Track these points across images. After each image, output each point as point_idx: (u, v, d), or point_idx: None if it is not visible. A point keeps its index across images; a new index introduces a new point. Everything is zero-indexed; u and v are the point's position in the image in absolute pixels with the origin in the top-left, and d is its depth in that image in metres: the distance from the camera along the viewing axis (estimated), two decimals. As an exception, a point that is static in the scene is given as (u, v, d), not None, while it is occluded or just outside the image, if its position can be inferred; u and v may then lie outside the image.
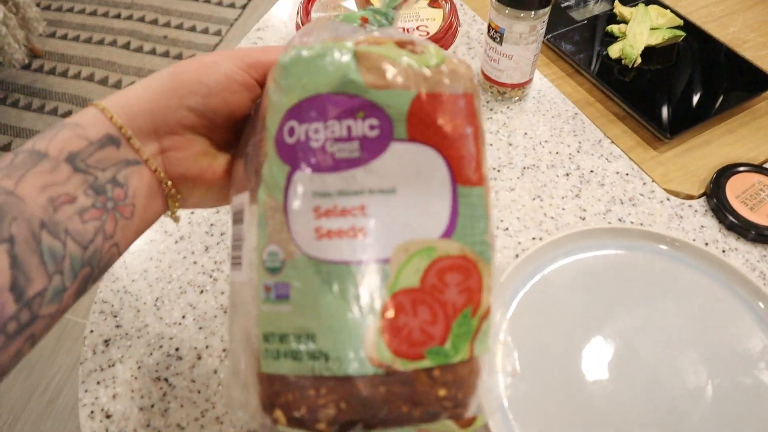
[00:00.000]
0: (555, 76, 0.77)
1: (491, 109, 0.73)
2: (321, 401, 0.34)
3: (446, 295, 0.34)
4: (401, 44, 0.36)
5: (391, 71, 0.34)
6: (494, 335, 0.36)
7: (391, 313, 0.33)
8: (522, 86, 0.71)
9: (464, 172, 0.35)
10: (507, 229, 0.62)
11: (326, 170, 0.34)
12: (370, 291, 0.33)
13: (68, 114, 2.09)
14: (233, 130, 0.41)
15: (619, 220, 0.62)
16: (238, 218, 0.39)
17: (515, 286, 0.56)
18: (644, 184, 0.65)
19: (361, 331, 0.33)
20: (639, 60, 0.75)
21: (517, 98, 0.73)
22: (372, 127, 0.34)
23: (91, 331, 0.57)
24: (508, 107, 0.73)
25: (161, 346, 0.55)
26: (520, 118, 0.72)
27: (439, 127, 0.35)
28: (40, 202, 0.31)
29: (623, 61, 0.75)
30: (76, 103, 2.15)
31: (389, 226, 0.33)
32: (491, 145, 0.69)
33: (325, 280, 0.33)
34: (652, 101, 0.71)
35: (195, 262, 0.61)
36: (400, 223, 0.33)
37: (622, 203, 0.64)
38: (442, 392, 0.33)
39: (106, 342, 0.56)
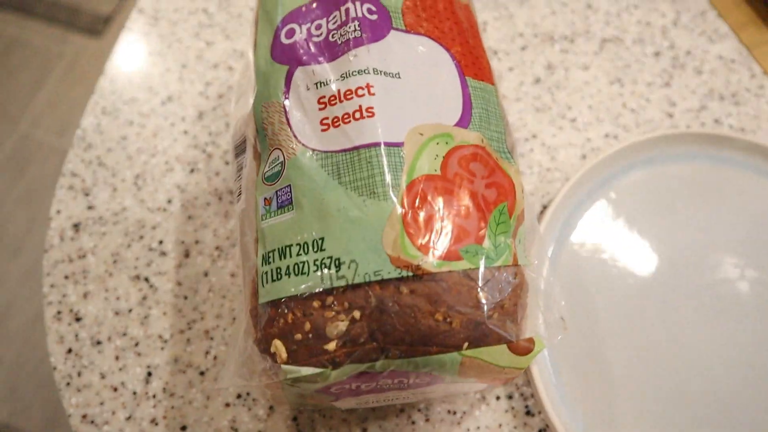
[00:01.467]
0: None
1: (568, -44, 0.57)
2: (328, 314, 0.27)
3: (475, 186, 0.29)
4: None
5: None
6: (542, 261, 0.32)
7: (413, 202, 0.28)
8: (614, -72, 0.55)
9: (471, 66, 0.34)
10: (575, 120, 0.49)
11: (327, 60, 0.32)
12: (385, 178, 0.28)
13: None
14: None
15: (716, 121, 0.49)
16: (241, 148, 0.35)
17: (576, 202, 0.45)
18: (753, 76, 0.51)
19: (379, 226, 0.28)
20: None
21: (604, -56, 0.57)
22: (370, 12, 0.33)
23: (58, 212, 0.46)
24: (591, -45, 0.57)
25: (142, 237, 0.45)
26: (605, -29, 0.56)
27: (439, 22, 0.34)
28: None
29: None
30: None
31: (399, 109, 0.30)
32: (565, 5, 0.54)
33: (332, 173, 0.29)
34: (778, -37, 0.55)
35: (186, 132, 0.49)
36: (410, 107, 0.31)
37: (722, 99, 0.50)
38: (481, 295, 0.27)
39: (76, 227, 0.46)
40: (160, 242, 0.45)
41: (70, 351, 0.42)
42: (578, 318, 0.42)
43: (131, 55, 0.52)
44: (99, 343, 0.42)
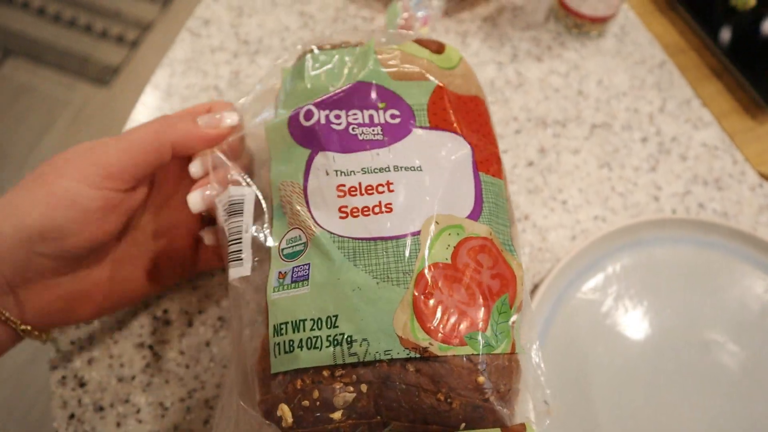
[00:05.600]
0: (644, 10, 0.63)
1: (561, 44, 0.60)
2: (337, 384, 0.29)
3: (482, 276, 0.31)
4: (422, 43, 0.38)
5: (410, 65, 0.36)
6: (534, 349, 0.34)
7: (424, 288, 0.30)
8: (604, 20, 0.58)
9: (485, 161, 0.36)
10: (565, 202, 0.52)
11: (349, 150, 0.33)
12: (399, 264, 0.30)
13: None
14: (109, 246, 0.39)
15: (700, 205, 0.52)
16: (236, 209, 0.36)
17: (566, 283, 0.47)
18: (735, 162, 0.54)
19: (391, 308, 0.29)
20: (753, 2, 0.61)
21: (595, 34, 0.60)
22: (393, 117, 0.35)
23: (68, 278, 0.48)
24: (582, 44, 0.60)
25: (147, 306, 0.47)
26: (596, 60, 0.59)
27: (460, 117, 0.36)
28: None
29: (732, 1, 0.61)
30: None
31: (417, 201, 0.32)
32: (558, 91, 0.57)
33: (348, 256, 0.31)
34: (760, 56, 0.58)
35: (193, 204, 0.51)
36: (428, 199, 0.32)
37: (705, 184, 0.53)
38: (481, 379, 0.29)
39: (84, 293, 0.48)
40: (165, 311, 0.47)
41: (72, 416, 0.43)
42: (569, 397, 0.43)
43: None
44: (101, 409, 0.43)
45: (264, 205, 0.36)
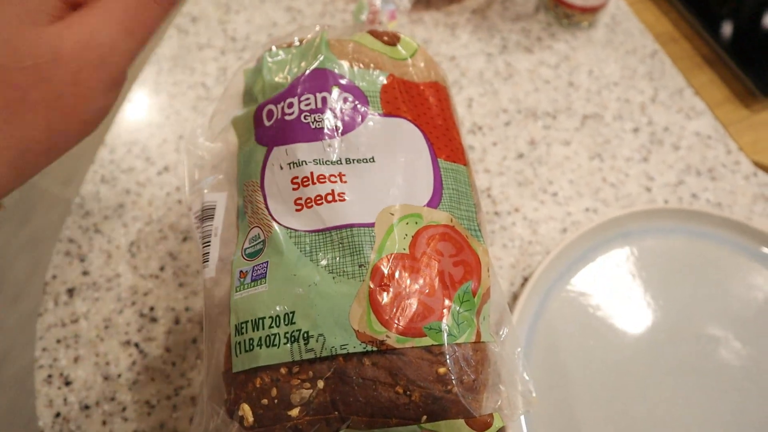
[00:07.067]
0: (635, 0, 0.62)
1: (552, 35, 0.60)
2: (294, 381, 0.29)
3: (442, 264, 0.31)
4: (375, 34, 0.38)
5: (362, 55, 0.36)
6: (513, 337, 0.33)
7: (380, 281, 0.29)
8: (594, 10, 0.58)
9: (443, 147, 0.35)
10: (556, 194, 0.51)
11: (300, 140, 0.33)
12: (355, 257, 0.30)
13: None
14: None
15: (693, 195, 0.51)
16: (207, 214, 0.36)
17: (556, 275, 0.47)
18: (728, 152, 0.53)
19: (346, 302, 0.29)
20: (745, -11, 0.60)
21: (586, 24, 0.60)
22: (346, 101, 0.34)
23: (54, 276, 0.48)
24: (573, 35, 0.60)
25: (134, 303, 0.47)
26: (587, 50, 0.59)
27: (414, 105, 0.36)
28: None
29: (724, -11, 0.60)
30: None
31: (371, 192, 0.32)
32: (548, 82, 0.57)
33: (305, 251, 0.31)
34: (753, 45, 0.57)
35: (180, 201, 0.51)
36: (382, 189, 0.32)
37: (698, 174, 0.52)
38: (442, 370, 0.28)
39: (70, 291, 0.47)
40: (151, 309, 0.47)
41: (58, 415, 0.43)
42: (556, 391, 0.43)
43: (131, 126, 0.55)
44: (87, 407, 0.43)
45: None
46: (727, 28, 0.58)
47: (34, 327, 0.47)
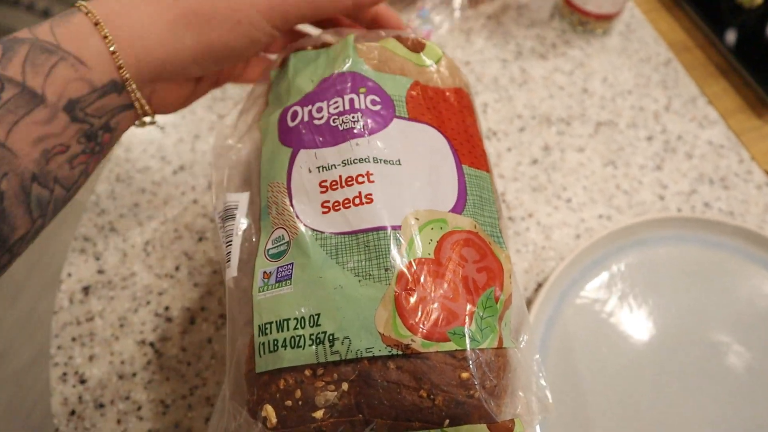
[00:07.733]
0: (649, 7, 0.63)
1: (567, 42, 0.60)
2: (319, 383, 0.29)
3: (466, 270, 0.31)
4: (401, 40, 0.38)
5: (389, 60, 0.37)
6: (532, 344, 0.33)
7: (406, 285, 0.29)
8: (609, 18, 0.58)
9: (467, 154, 0.36)
10: (570, 200, 0.51)
11: (329, 144, 0.33)
12: (381, 260, 0.30)
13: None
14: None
15: (705, 204, 0.52)
16: (230, 214, 0.36)
17: (570, 281, 0.47)
18: (741, 161, 0.54)
19: (372, 306, 0.29)
20: (759, 0, 0.60)
21: (600, 32, 0.60)
22: (374, 102, 0.34)
23: (69, 275, 0.48)
24: (587, 42, 0.60)
25: (149, 303, 0.47)
26: (601, 58, 0.59)
27: (439, 111, 0.36)
28: (34, 156, 0.29)
29: (738, -1, 0.61)
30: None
31: (397, 195, 0.32)
32: (562, 89, 0.57)
33: (331, 253, 0.31)
34: (766, 54, 0.58)
35: (195, 201, 0.51)
36: (408, 193, 0.32)
37: (711, 183, 0.53)
38: (465, 375, 0.29)
39: (86, 290, 0.48)
40: (167, 308, 0.47)
41: (73, 413, 0.43)
42: (570, 396, 0.43)
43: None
44: (102, 406, 0.43)
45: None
46: (740, 38, 0.59)
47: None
